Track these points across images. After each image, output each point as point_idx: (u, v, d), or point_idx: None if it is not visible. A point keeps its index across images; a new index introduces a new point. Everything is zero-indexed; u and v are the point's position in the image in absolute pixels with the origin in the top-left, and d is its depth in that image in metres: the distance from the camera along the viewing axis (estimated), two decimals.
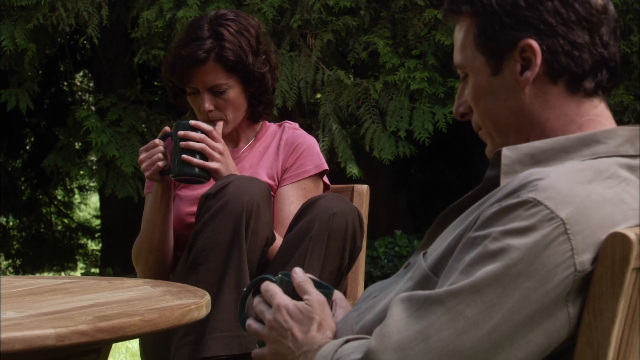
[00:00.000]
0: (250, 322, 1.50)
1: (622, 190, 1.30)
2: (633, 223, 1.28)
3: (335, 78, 6.75)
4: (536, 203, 1.25)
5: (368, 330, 1.39)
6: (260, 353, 1.48)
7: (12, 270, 11.70)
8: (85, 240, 12.99)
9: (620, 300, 1.23)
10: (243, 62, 2.54)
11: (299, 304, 1.45)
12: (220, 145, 2.45)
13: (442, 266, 1.35)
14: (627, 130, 1.39)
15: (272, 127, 2.71)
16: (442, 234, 1.42)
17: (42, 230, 12.28)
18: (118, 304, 1.63)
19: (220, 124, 2.52)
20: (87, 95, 11.65)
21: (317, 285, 1.53)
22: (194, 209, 2.51)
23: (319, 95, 7.09)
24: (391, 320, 1.28)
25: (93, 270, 11.68)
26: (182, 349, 2.30)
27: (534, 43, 1.37)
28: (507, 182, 1.31)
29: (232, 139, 2.69)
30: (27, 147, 12.12)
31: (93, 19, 6.81)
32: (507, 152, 1.38)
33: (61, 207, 12.66)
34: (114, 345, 3.87)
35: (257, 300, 1.50)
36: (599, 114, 1.41)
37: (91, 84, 11.57)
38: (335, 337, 1.43)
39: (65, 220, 12.70)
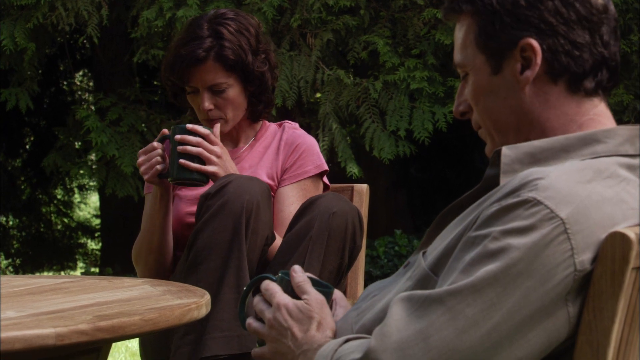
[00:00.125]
0: (250, 321, 1.51)
1: (622, 190, 1.30)
2: (633, 222, 1.28)
3: (335, 77, 6.75)
4: (536, 202, 1.25)
5: (368, 330, 1.39)
6: (260, 352, 1.48)
7: (11, 270, 11.70)
8: (85, 239, 12.99)
9: (620, 299, 1.23)
10: (243, 61, 2.54)
11: (298, 303, 1.45)
12: (218, 149, 2.44)
13: (442, 265, 1.34)
14: (627, 130, 1.39)
15: (272, 126, 2.71)
16: (442, 233, 1.42)
17: (41, 229, 12.29)
18: (118, 304, 1.63)
19: (218, 126, 2.52)
20: (86, 94, 11.65)
21: (317, 284, 1.53)
22: (194, 208, 2.51)
23: (318, 95, 7.09)
24: (391, 320, 1.28)
25: (93, 269, 11.68)
26: (182, 349, 2.30)
27: (535, 42, 1.37)
28: (507, 182, 1.31)
29: (232, 138, 2.68)
30: (27, 147, 12.12)
31: (93, 18, 6.81)
32: (506, 151, 1.38)
33: (61, 207, 12.67)
34: (113, 344, 3.87)
35: (257, 299, 1.50)
36: (599, 114, 1.41)
37: (91, 84, 11.57)
38: (335, 336, 1.43)
39: (65, 220, 12.70)
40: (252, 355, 1.51)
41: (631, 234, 1.22)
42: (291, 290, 1.49)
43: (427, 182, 11.37)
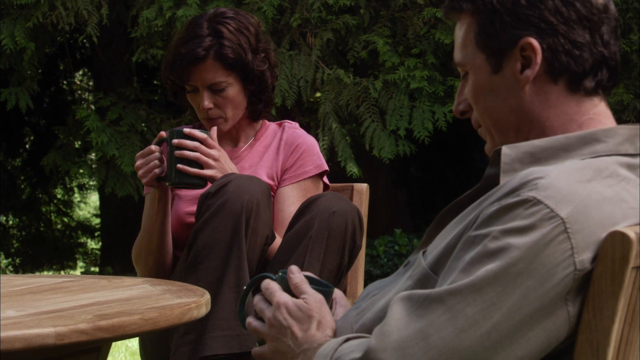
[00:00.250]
0: (250, 320, 1.51)
1: (622, 189, 1.30)
2: (633, 222, 1.28)
3: (335, 77, 6.74)
4: (536, 202, 1.25)
5: (368, 329, 1.39)
6: (260, 351, 1.48)
7: (11, 269, 11.70)
8: (84, 239, 12.99)
9: (620, 298, 1.23)
10: (242, 60, 2.54)
11: (298, 301, 1.45)
12: (215, 152, 2.44)
13: (442, 265, 1.34)
14: (627, 129, 1.39)
15: (271, 126, 2.71)
16: (442, 233, 1.42)
17: (41, 229, 12.28)
18: (118, 303, 1.63)
19: (215, 129, 2.52)
20: (86, 94, 11.64)
21: (317, 283, 1.53)
22: (194, 208, 2.51)
23: (318, 94, 7.09)
24: (391, 319, 1.28)
25: (93, 269, 11.68)
26: (182, 348, 2.30)
27: (535, 42, 1.37)
28: (507, 181, 1.31)
29: (232, 137, 2.68)
30: (27, 146, 12.11)
31: (93, 17, 6.81)
32: (506, 151, 1.38)
33: (61, 206, 12.66)
34: (113, 344, 3.87)
35: (257, 298, 1.50)
36: (599, 113, 1.41)
37: (91, 83, 11.56)
38: (335, 335, 1.43)
39: (65, 219, 12.70)
40: (252, 354, 1.51)
41: (631, 233, 1.22)
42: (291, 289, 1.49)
43: (427, 181, 11.37)
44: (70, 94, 11.56)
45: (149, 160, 2.45)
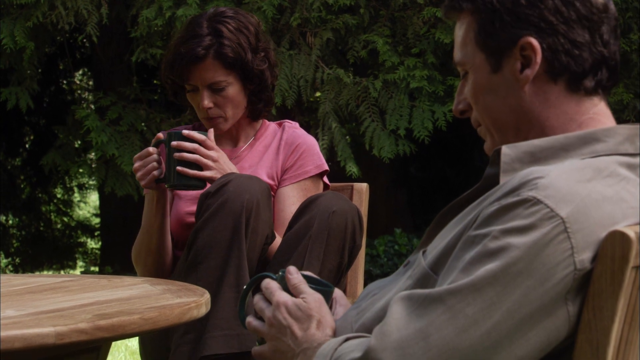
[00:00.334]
0: (250, 320, 1.51)
1: (622, 189, 1.30)
2: (633, 221, 1.28)
3: (335, 76, 6.74)
4: (536, 202, 1.25)
5: (368, 329, 1.39)
6: (260, 350, 1.49)
7: (11, 269, 11.70)
8: (84, 238, 12.99)
9: (620, 298, 1.23)
10: (242, 59, 2.54)
11: (297, 301, 1.45)
12: (214, 153, 2.44)
13: (442, 264, 1.34)
14: (626, 129, 1.39)
15: (271, 126, 2.71)
16: (442, 232, 1.42)
17: (41, 228, 12.28)
18: (118, 302, 1.63)
19: (211, 131, 2.52)
20: (86, 93, 11.64)
21: (318, 283, 1.53)
22: (194, 208, 2.51)
23: (318, 94, 7.09)
24: (391, 319, 1.28)
25: (92, 268, 11.68)
26: (181, 347, 2.30)
27: (534, 41, 1.37)
28: (507, 181, 1.31)
29: (232, 137, 2.68)
30: (27, 146, 12.11)
31: (92, 17, 6.81)
32: (506, 150, 1.38)
33: (61, 206, 12.66)
34: (113, 343, 3.87)
35: (257, 297, 1.50)
36: (598, 113, 1.41)
37: (91, 83, 11.56)
38: (334, 335, 1.43)
39: (65, 219, 12.70)
40: (252, 353, 1.51)
41: (631, 232, 1.22)
42: None
43: (427, 181, 11.36)
44: (70, 94, 11.56)
45: (147, 162, 2.45)
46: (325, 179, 2.67)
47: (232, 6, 5.75)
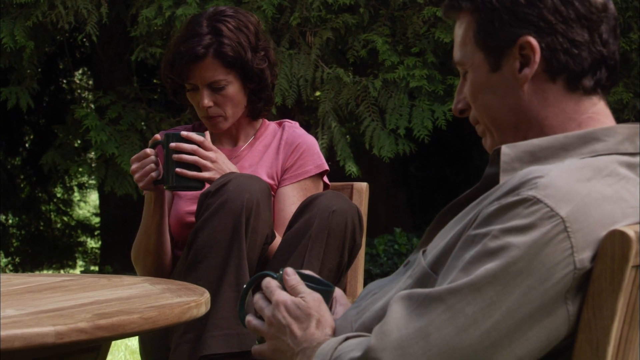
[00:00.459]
0: (250, 319, 1.51)
1: (622, 188, 1.30)
2: (632, 221, 1.28)
3: (335, 76, 6.74)
4: (536, 201, 1.25)
5: (367, 328, 1.39)
6: (259, 349, 1.49)
7: (11, 268, 11.70)
8: (84, 238, 12.98)
9: (620, 297, 1.23)
10: (242, 58, 2.54)
11: (297, 300, 1.45)
12: (212, 154, 2.44)
13: (442, 264, 1.35)
14: (626, 128, 1.39)
15: (271, 125, 2.71)
16: (441, 232, 1.42)
17: (41, 228, 12.28)
18: (117, 302, 1.63)
19: (207, 133, 2.51)
20: (86, 93, 11.64)
21: (319, 282, 1.53)
22: (194, 207, 2.51)
23: (318, 93, 7.08)
24: (391, 318, 1.28)
25: (92, 268, 11.67)
26: (181, 347, 2.30)
27: (533, 40, 1.37)
28: (507, 180, 1.31)
29: (232, 136, 2.68)
30: (27, 145, 12.11)
31: (92, 16, 6.80)
32: (506, 150, 1.38)
33: (60, 205, 12.65)
34: (113, 342, 3.87)
35: (257, 296, 1.50)
36: (598, 112, 1.41)
37: (90, 82, 11.55)
38: (334, 334, 1.43)
39: (65, 218, 12.70)
40: (252, 351, 1.51)
41: (631, 232, 1.22)
42: None
43: (427, 180, 11.36)
44: (69, 93, 11.56)
45: (144, 164, 2.45)
46: (325, 178, 2.67)
47: (232, 5, 5.76)
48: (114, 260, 9.53)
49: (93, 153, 7.49)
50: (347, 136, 6.90)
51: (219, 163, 2.44)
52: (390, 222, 9.10)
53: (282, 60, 6.62)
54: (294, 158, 2.60)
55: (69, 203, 12.90)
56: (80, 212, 14.71)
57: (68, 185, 12.59)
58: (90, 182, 12.52)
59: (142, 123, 7.58)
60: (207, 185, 2.43)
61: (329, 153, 6.75)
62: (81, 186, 13.15)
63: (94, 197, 15.11)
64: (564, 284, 1.24)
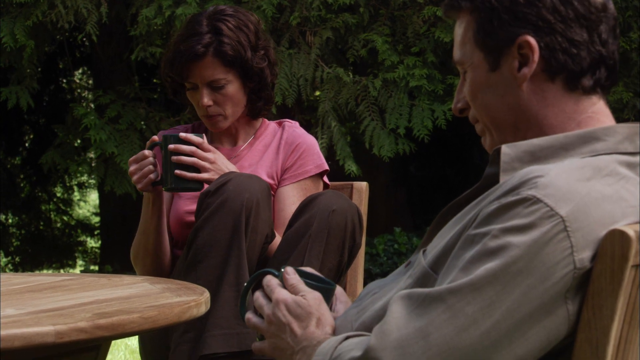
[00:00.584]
0: (250, 316, 1.51)
1: (622, 188, 1.30)
2: (632, 220, 1.28)
3: (335, 75, 6.74)
4: (536, 200, 1.25)
5: (368, 327, 1.39)
6: (260, 346, 1.49)
7: (11, 268, 11.70)
8: (84, 237, 12.98)
9: (620, 297, 1.23)
10: (242, 57, 2.54)
11: (297, 298, 1.45)
12: (211, 155, 2.44)
13: (442, 264, 1.35)
14: (626, 128, 1.39)
15: (271, 125, 2.71)
16: (441, 232, 1.42)
17: (41, 227, 12.28)
18: (117, 301, 1.63)
19: (204, 135, 2.51)
20: (86, 92, 11.64)
21: (320, 281, 1.53)
22: (193, 207, 2.51)
23: (318, 93, 7.09)
24: (391, 318, 1.28)
25: (92, 267, 11.68)
26: (181, 346, 2.30)
27: (532, 40, 1.37)
28: (507, 180, 1.31)
29: (231, 136, 2.68)
30: (26, 145, 12.11)
31: (92, 16, 6.81)
32: (506, 150, 1.38)
33: (60, 205, 12.65)
34: (113, 342, 3.87)
35: (257, 294, 1.50)
36: (597, 112, 1.41)
37: (90, 81, 11.55)
38: (334, 333, 1.43)
39: (65, 218, 12.69)
40: (252, 349, 1.51)
41: (630, 231, 1.22)
42: None
43: (427, 179, 11.36)
44: (69, 93, 11.56)
45: (143, 165, 2.45)
46: (325, 178, 2.67)
47: (232, 4, 5.76)
48: (114, 259, 9.53)
49: (93, 152, 7.48)
50: (347, 136, 6.90)
51: (217, 164, 2.44)
52: (390, 221, 9.10)
53: (282, 59, 6.62)
54: (294, 158, 2.60)
55: (68, 202, 12.90)
56: (80, 211, 14.71)
57: (68, 184, 12.59)
58: (90, 181, 12.52)
59: (142, 122, 7.58)
60: (206, 186, 2.43)
61: (329, 152, 6.75)
62: (81, 185, 13.14)
63: (93, 197, 15.11)
64: (564, 284, 1.24)
